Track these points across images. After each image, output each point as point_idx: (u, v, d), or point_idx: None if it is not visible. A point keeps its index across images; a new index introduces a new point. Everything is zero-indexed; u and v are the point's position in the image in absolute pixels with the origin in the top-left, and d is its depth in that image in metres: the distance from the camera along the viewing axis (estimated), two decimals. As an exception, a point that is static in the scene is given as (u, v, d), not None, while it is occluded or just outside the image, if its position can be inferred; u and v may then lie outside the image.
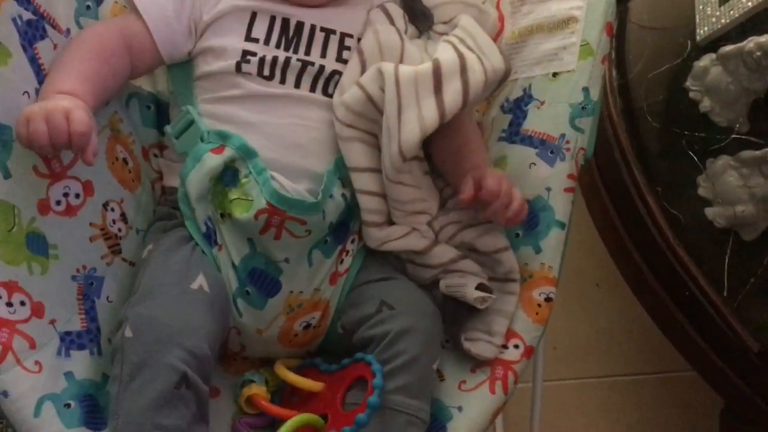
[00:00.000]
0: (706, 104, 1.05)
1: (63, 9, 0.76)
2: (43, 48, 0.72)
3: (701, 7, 1.11)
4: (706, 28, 1.09)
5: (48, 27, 0.73)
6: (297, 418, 0.73)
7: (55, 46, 0.73)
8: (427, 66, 0.76)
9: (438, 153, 0.86)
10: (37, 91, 0.70)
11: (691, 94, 1.06)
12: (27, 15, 0.70)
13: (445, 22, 0.86)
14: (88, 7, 0.79)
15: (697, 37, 1.09)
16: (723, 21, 1.07)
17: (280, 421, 0.74)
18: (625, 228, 1.04)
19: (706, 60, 1.06)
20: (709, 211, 0.99)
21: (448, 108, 0.75)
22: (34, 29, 0.71)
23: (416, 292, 0.80)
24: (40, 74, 0.71)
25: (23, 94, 0.69)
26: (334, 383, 0.76)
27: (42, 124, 0.64)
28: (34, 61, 0.70)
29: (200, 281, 0.73)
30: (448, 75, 0.75)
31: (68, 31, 0.76)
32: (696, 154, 1.00)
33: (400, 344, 0.73)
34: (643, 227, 0.99)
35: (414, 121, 0.74)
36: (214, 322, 0.72)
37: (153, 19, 0.79)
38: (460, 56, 0.77)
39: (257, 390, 0.78)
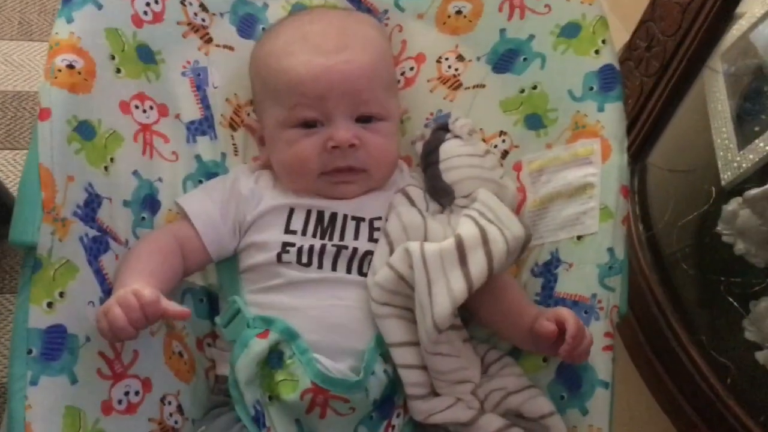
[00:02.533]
0: (740, 247, 1.06)
1: (122, 223, 0.84)
2: (106, 260, 0.80)
3: (721, 153, 1.15)
4: (729, 173, 1.13)
5: (110, 240, 0.81)
6: None
7: (116, 257, 0.81)
8: (450, 242, 0.81)
9: (488, 314, 0.88)
10: (101, 300, 0.77)
11: (724, 238, 1.08)
12: (92, 233, 0.79)
13: (465, 196, 0.92)
14: (143, 218, 0.88)
15: (722, 182, 1.12)
16: (744, 165, 1.10)
17: None
18: (673, 382, 1.02)
19: (734, 203, 1.09)
20: (761, 356, 0.97)
21: (475, 278, 0.79)
22: (98, 244, 0.79)
23: None
24: (104, 284, 0.79)
25: (88, 303, 0.76)
26: None
27: (116, 308, 0.72)
28: (98, 272, 0.78)
29: None
30: (471, 248, 0.80)
31: (126, 242, 0.84)
32: (737, 298, 1.00)
33: None
34: (690, 380, 0.97)
35: (444, 294, 0.78)
36: None
37: (202, 224, 0.87)
38: (481, 229, 0.82)
39: None
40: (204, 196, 0.90)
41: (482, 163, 0.94)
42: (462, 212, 0.88)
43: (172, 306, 0.75)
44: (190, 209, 0.88)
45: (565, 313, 0.80)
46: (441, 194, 0.93)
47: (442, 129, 0.96)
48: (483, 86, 1.00)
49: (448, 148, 0.94)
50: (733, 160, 1.13)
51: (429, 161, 0.95)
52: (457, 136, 0.95)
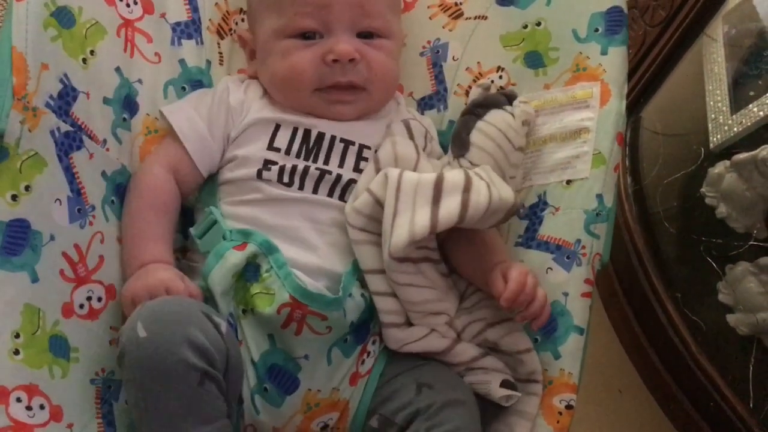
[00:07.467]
0: (722, 210, 1.06)
1: (101, 122, 0.80)
2: (78, 157, 0.75)
3: (713, 115, 1.14)
4: (719, 136, 1.12)
5: (85, 138, 0.77)
6: None
7: (91, 156, 0.77)
8: (431, 176, 0.78)
9: (460, 257, 0.86)
10: (69, 199, 0.73)
11: (707, 200, 1.07)
12: (65, 127, 0.74)
13: (472, 163, 0.87)
14: (124, 119, 0.84)
15: (711, 145, 1.11)
16: (735, 129, 1.10)
17: None
18: (645, 335, 1.02)
19: (720, 167, 1.08)
20: (731, 318, 0.98)
21: (441, 221, 0.75)
22: (71, 140, 0.75)
23: (451, 373, 0.80)
24: (74, 182, 0.75)
25: (55, 201, 0.72)
26: None
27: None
28: (68, 170, 0.74)
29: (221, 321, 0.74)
30: (449, 190, 0.77)
31: (104, 141, 0.80)
32: (714, 260, 1.00)
33: (445, 413, 0.73)
34: (663, 334, 0.98)
35: (405, 225, 0.75)
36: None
37: (192, 144, 0.84)
38: (467, 178, 0.78)
39: None
40: (191, 110, 0.86)
41: (509, 154, 0.87)
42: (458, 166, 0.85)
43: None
44: (179, 128, 0.84)
45: (514, 272, 0.77)
46: (456, 144, 0.89)
47: (506, 96, 0.90)
48: (485, 18, 0.96)
49: (498, 117, 0.88)
50: (724, 123, 1.12)
51: (473, 111, 0.89)
52: (512, 114, 0.88)
